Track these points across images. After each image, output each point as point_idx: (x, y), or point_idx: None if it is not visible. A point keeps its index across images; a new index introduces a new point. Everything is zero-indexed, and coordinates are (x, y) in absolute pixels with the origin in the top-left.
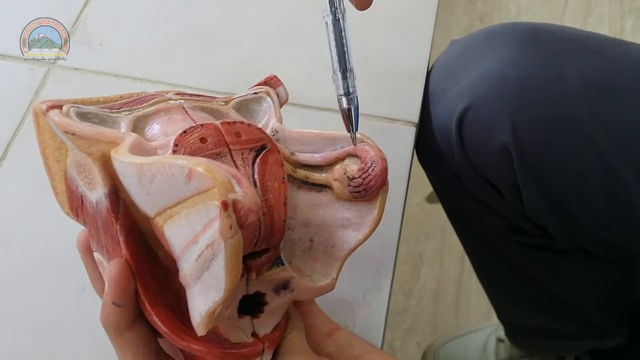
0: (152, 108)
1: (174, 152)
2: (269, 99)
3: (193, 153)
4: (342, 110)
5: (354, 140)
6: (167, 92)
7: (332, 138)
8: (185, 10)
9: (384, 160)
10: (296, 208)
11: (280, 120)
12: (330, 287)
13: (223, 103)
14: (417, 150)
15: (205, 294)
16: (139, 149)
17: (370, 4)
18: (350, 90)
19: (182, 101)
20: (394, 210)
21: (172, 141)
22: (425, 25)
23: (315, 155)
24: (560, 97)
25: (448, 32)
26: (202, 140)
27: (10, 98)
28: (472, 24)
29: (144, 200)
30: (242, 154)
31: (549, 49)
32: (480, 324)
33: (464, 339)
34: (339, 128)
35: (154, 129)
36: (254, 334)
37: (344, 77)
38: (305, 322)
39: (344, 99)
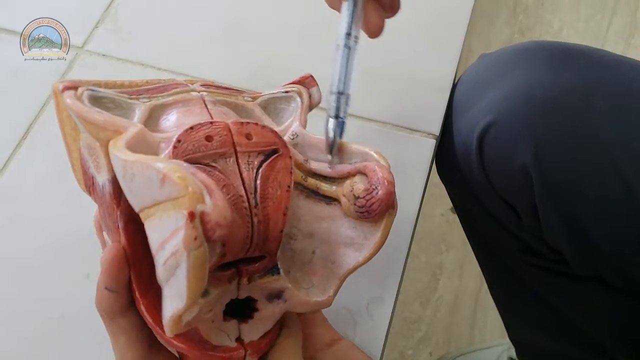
0: (171, 98)
1: (175, 148)
2: (298, 99)
3: (196, 151)
4: (326, 131)
5: (332, 163)
6: (193, 82)
7: (348, 151)
8: (215, 5)
9: (391, 184)
10: (301, 218)
11: (304, 124)
12: (327, 304)
13: (250, 99)
14: (436, 163)
15: (171, 298)
16: (141, 141)
17: (381, 32)
18: (341, 115)
19: (204, 94)
20: (406, 222)
21: (175, 137)
22: (455, 37)
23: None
24: (585, 120)
25: (487, 42)
26: (208, 138)
27: (37, 80)
28: (513, 36)
29: (128, 195)
30: (249, 156)
31: (579, 72)
32: (495, 340)
33: (476, 355)
34: (356, 135)
35: (169, 119)
36: (238, 339)
37: (338, 101)
38: (306, 330)
39: (331, 121)
